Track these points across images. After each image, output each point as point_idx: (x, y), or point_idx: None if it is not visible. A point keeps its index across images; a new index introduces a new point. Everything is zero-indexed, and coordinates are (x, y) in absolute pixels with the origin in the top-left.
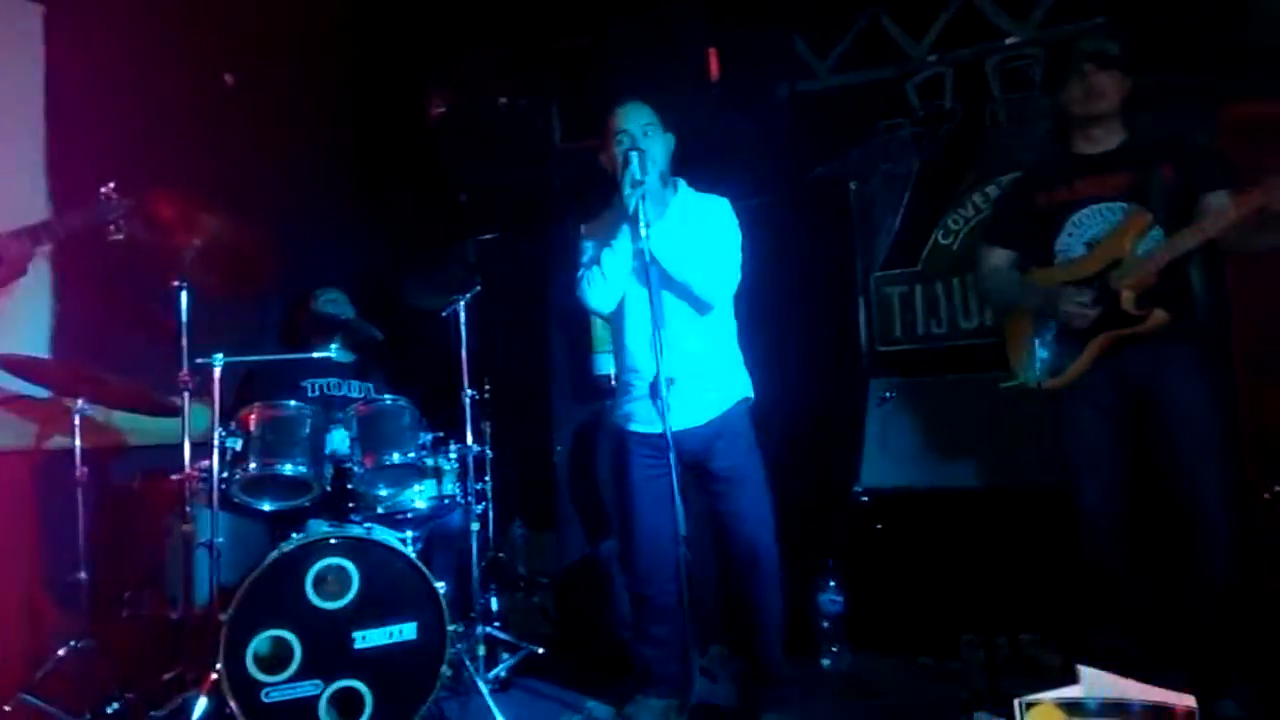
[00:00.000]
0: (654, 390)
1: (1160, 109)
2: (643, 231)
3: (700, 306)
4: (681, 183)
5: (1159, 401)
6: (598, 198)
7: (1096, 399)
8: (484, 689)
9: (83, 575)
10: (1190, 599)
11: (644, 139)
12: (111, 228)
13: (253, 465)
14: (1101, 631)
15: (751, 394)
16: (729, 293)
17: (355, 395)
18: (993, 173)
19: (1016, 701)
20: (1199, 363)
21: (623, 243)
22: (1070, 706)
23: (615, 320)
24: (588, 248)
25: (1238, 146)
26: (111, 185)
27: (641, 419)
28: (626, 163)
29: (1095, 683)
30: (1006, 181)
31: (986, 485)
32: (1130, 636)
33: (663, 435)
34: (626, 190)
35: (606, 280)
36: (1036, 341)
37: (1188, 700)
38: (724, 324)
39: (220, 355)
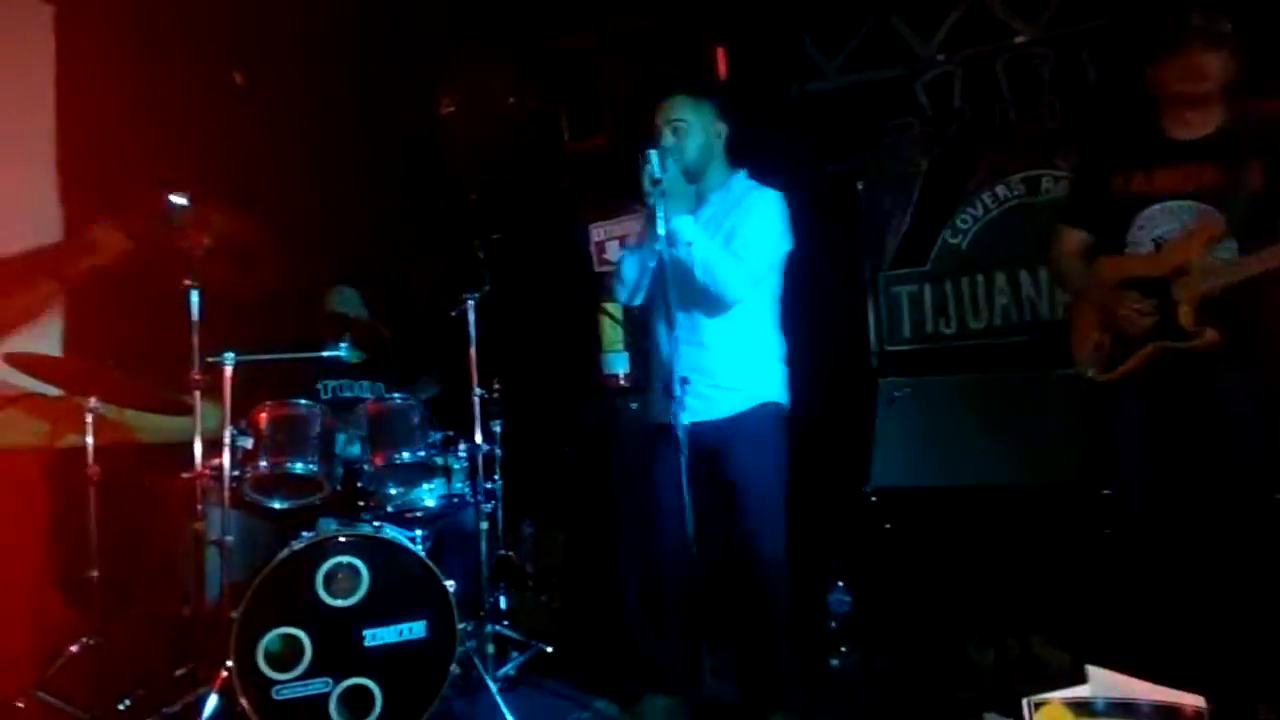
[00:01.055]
0: (668, 388)
1: None
2: (660, 230)
3: (716, 304)
4: (737, 176)
5: (1202, 418)
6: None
7: (1140, 402)
8: (493, 687)
9: (94, 572)
10: (1221, 605)
11: (671, 135)
12: (179, 233)
13: (263, 463)
14: (1113, 631)
15: (782, 399)
16: (745, 292)
17: (366, 395)
18: (1002, 172)
19: (1025, 701)
20: (1249, 381)
21: (642, 240)
22: (1079, 706)
23: (645, 315)
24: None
25: None
26: (183, 193)
27: (659, 411)
28: (646, 161)
29: (1104, 682)
30: (1014, 179)
31: (996, 484)
32: (1146, 637)
33: (676, 428)
34: (646, 188)
35: (625, 276)
36: (1097, 333)
37: (1197, 700)
38: (753, 323)
39: (231, 354)
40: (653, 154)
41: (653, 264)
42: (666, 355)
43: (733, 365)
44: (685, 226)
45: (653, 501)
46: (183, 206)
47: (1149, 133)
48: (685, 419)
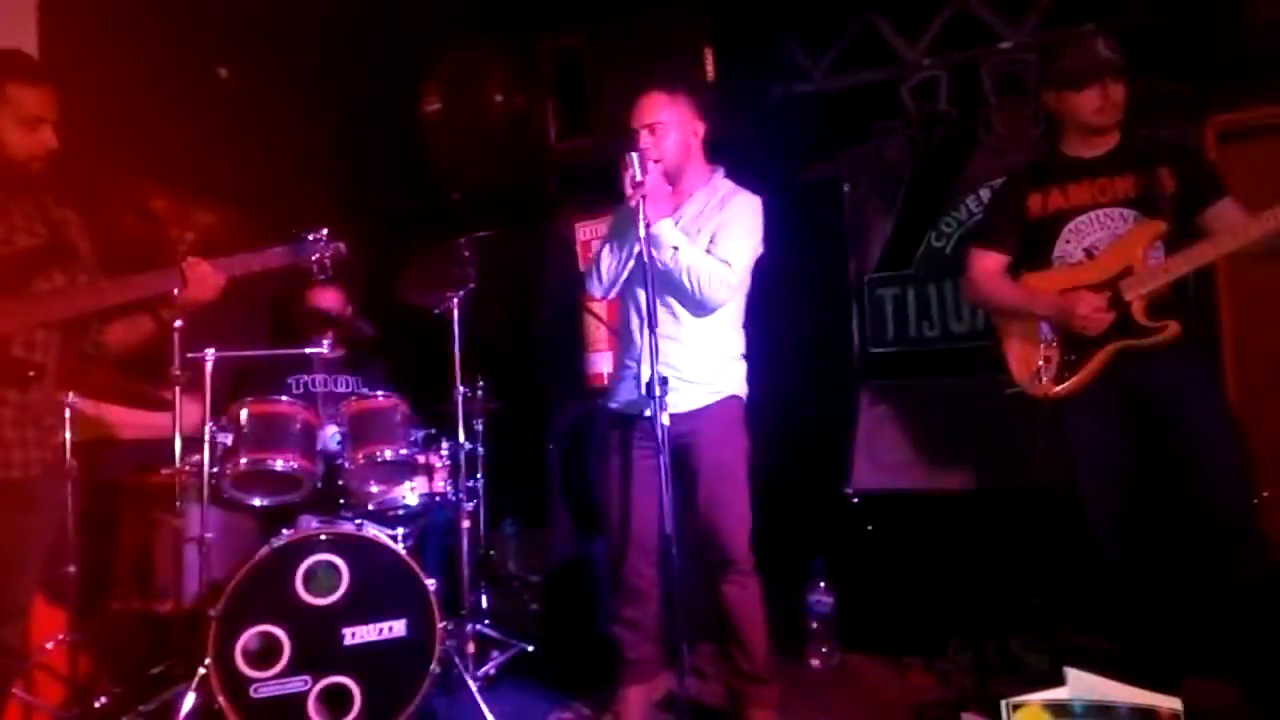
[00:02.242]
0: (648, 388)
1: (1145, 116)
2: (640, 232)
3: (698, 306)
4: (717, 175)
5: (1175, 414)
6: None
7: (1104, 407)
8: (473, 686)
9: (71, 569)
10: (1237, 606)
11: (649, 137)
12: (316, 267)
13: (244, 460)
14: (1091, 633)
15: (742, 392)
16: (729, 296)
17: (345, 391)
18: (986, 176)
19: (1003, 703)
20: (1211, 372)
21: (621, 240)
22: (1056, 708)
23: (620, 310)
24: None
25: (1223, 155)
26: (324, 232)
27: (632, 402)
28: (626, 165)
29: (1081, 684)
30: (997, 183)
31: (976, 488)
32: (1124, 639)
33: (648, 419)
34: (627, 191)
35: (602, 273)
36: (1041, 347)
37: (1172, 702)
38: (722, 321)
39: (212, 350)
40: (633, 157)
41: (630, 262)
42: (639, 352)
43: (702, 361)
44: (667, 231)
45: (627, 493)
46: (319, 243)
47: (1054, 152)
48: (664, 416)
